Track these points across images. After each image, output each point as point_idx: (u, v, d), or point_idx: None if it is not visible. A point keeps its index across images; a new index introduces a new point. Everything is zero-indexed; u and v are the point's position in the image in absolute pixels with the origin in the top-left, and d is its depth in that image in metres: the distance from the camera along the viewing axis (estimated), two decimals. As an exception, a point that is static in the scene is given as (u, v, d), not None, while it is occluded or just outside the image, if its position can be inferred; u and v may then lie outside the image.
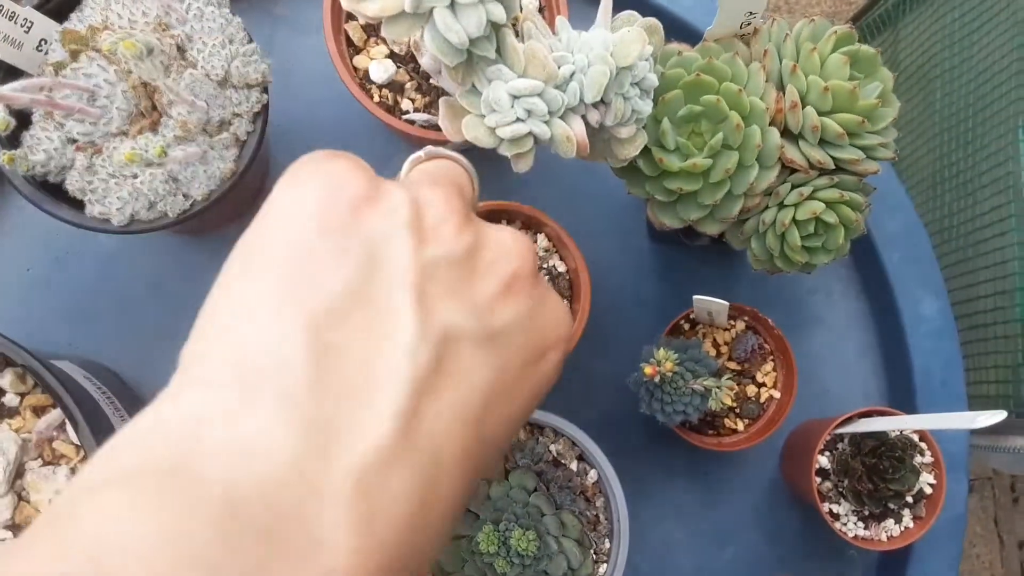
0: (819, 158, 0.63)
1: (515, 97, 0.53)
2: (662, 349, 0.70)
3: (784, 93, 0.63)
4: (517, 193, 0.86)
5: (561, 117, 0.55)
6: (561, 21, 0.56)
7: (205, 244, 0.83)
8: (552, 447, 0.73)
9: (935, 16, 1.18)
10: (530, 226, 0.73)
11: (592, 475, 0.73)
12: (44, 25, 0.61)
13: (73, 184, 0.62)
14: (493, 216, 0.72)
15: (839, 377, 0.89)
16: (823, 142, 0.63)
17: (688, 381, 0.72)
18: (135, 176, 0.62)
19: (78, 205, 0.63)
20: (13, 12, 0.58)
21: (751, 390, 0.80)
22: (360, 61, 0.74)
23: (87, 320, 0.80)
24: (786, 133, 0.64)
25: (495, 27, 0.50)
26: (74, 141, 0.62)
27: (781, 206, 0.65)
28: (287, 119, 0.85)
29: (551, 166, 0.87)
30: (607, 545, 0.72)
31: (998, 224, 0.97)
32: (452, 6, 0.47)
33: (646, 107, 0.59)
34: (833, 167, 0.63)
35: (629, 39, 0.55)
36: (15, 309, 0.80)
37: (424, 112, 0.73)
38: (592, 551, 0.71)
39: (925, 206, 1.13)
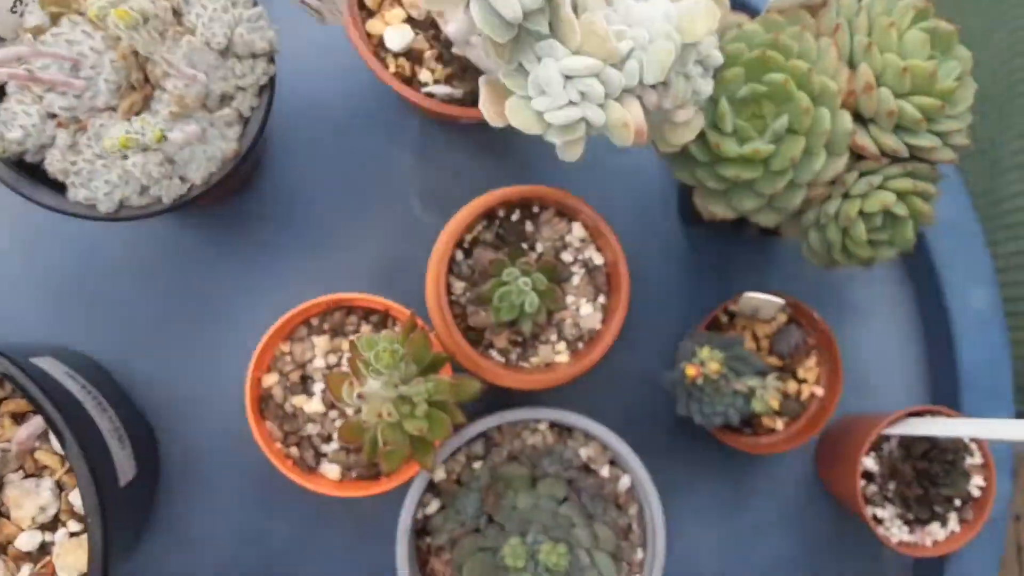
0: (893, 145, 0.56)
1: (568, 78, 0.46)
2: (706, 348, 0.65)
3: (856, 73, 0.56)
4: (529, 169, 0.80)
5: (616, 100, 0.48)
6: (620, -11, 0.49)
7: (195, 223, 0.75)
8: (582, 451, 0.68)
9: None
10: (564, 213, 0.66)
11: (625, 481, 0.68)
12: (18, -18, 0.53)
13: (54, 165, 0.55)
14: (524, 202, 0.65)
15: (879, 369, 0.83)
16: (897, 128, 0.57)
17: (731, 381, 0.66)
18: (125, 157, 0.54)
19: (60, 188, 0.56)
20: (-19, -33, 0.50)
21: (792, 387, 0.75)
22: (374, 26, 0.66)
23: (67, 307, 0.73)
24: (856, 118, 0.57)
25: (552, -2, 0.43)
26: (55, 116, 0.55)
27: (846, 197, 0.59)
28: (287, 90, 0.77)
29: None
30: (639, 556, 0.67)
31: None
32: (507, -27, 0.40)
33: (707, 87, 0.52)
34: (907, 155, 0.57)
35: (696, 11, 0.48)
36: (-8, 295, 0.72)
37: (445, 84, 0.66)
38: (625, 563, 0.66)
39: (975, 189, 1.07)
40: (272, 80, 0.58)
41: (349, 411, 0.64)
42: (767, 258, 0.83)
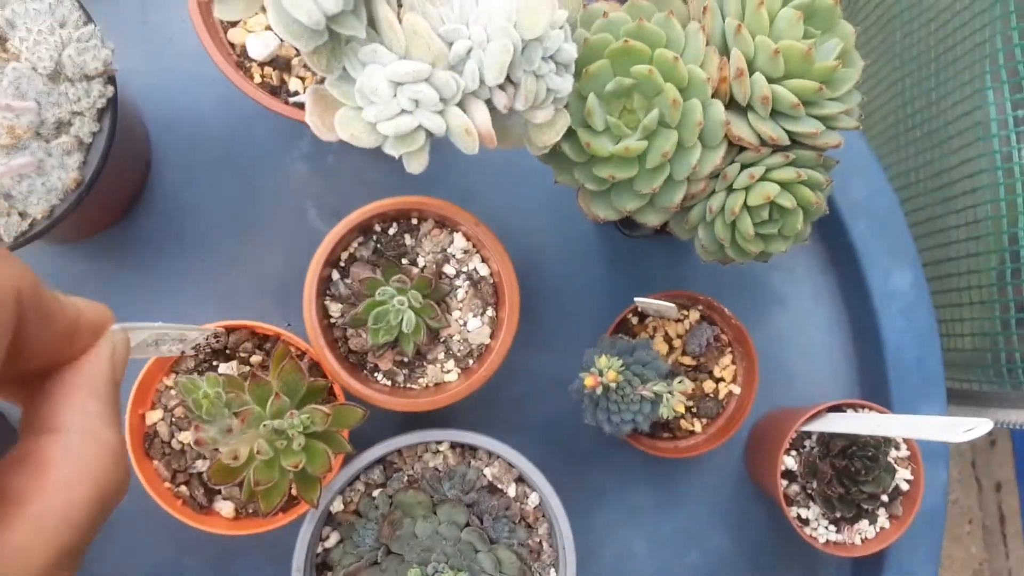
0: (771, 133, 0.53)
1: (397, 84, 0.43)
2: (603, 356, 0.61)
3: (728, 59, 0.53)
4: (433, 178, 0.76)
5: (459, 104, 0.45)
6: (450, -14, 0.45)
7: (79, 251, 0.72)
8: (487, 471, 0.65)
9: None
10: (444, 224, 0.63)
11: (533, 498, 0.65)
12: None
13: None
14: (400, 215, 0.62)
15: (805, 360, 0.81)
16: (775, 114, 0.54)
17: (636, 387, 0.63)
18: (-46, 195, 0.51)
19: None
20: None
21: (708, 386, 0.72)
22: (236, 35, 0.63)
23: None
24: (732, 105, 0.54)
25: (359, -1, 0.40)
26: None
27: (730, 190, 0.56)
28: (169, 108, 0.74)
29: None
30: (552, 575, 0.64)
31: (968, 180, 0.89)
32: (293, -23, 0.37)
33: (565, 84, 0.49)
34: (788, 142, 0.54)
35: (535, 5, 0.45)
36: None
37: (316, 94, 0.62)
38: (536, 585, 0.63)
39: (886, 162, 1.04)
40: (112, 101, 0.54)
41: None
42: (681, 253, 0.80)
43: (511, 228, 0.71)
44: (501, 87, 0.47)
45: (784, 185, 0.55)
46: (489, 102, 0.47)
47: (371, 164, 0.75)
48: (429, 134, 0.45)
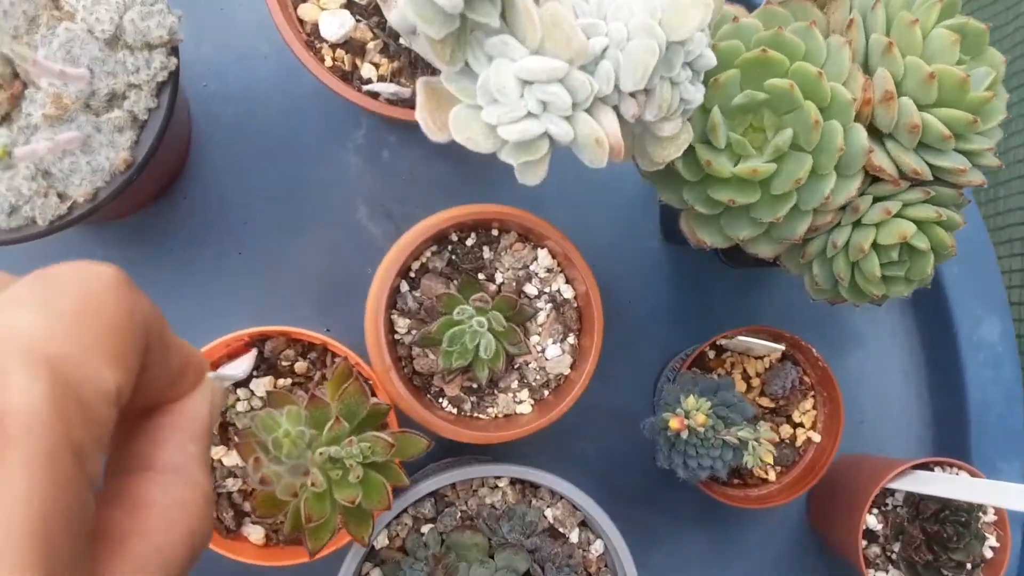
0: (914, 166, 0.48)
1: (526, 83, 0.37)
2: (692, 396, 0.56)
3: (873, 79, 0.48)
4: (494, 175, 0.70)
5: (587, 110, 0.39)
6: (592, -27, 0.39)
7: (110, 234, 0.65)
8: (548, 512, 0.58)
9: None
10: (527, 238, 0.57)
11: (597, 546, 0.59)
12: None
13: (-99, 179, 0.45)
14: (480, 224, 0.56)
15: (877, 405, 0.75)
16: (920, 145, 0.48)
17: (719, 432, 0.57)
18: (-13, 170, 0.44)
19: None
20: None
21: (785, 431, 0.66)
22: (307, 11, 0.56)
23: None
24: (871, 131, 0.48)
25: (504, -19, 0.34)
26: (-100, 119, 0.44)
27: (858, 225, 0.50)
28: (216, 84, 0.67)
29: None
30: (613, 631, 0.58)
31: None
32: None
33: (698, 95, 0.43)
34: (931, 178, 0.48)
35: (685, 3, 0.39)
36: None
37: (391, 82, 0.56)
38: (596, 642, 0.57)
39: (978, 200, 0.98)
40: (174, 75, 0.48)
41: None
42: (756, 282, 0.74)
43: (576, 244, 0.65)
44: (632, 93, 0.40)
45: (920, 224, 0.49)
46: (615, 109, 0.41)
47: (428, 163, 0.69)
48: (552, 143, 0.39)
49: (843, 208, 0.50)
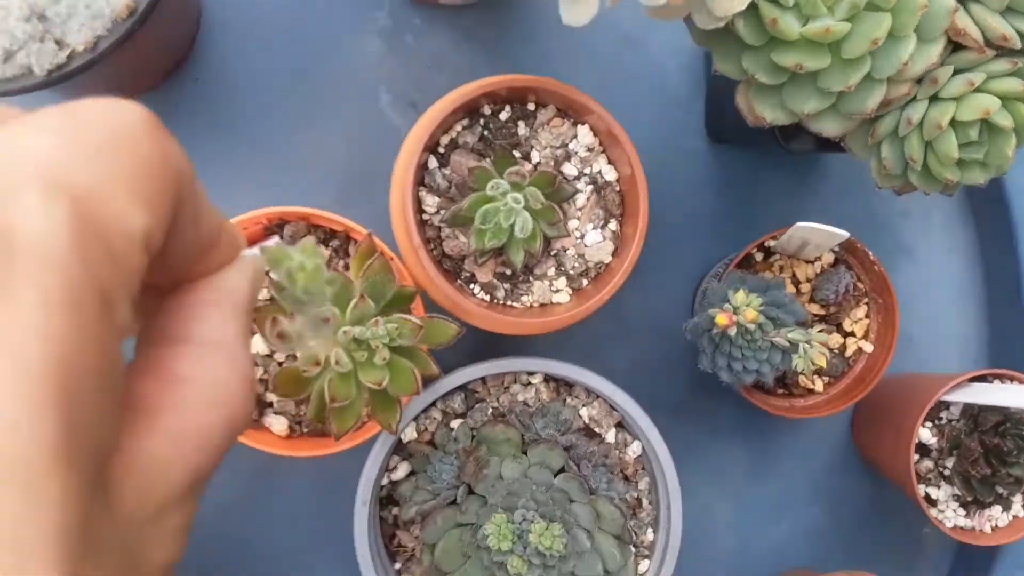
0: (1003, 31, 0.43)
1: None
2: (741, 291, 0.52)
3: (961, -71, 0.43)
4: (521, 63, 0.66)
5: (649, -60, 0.35)
6: None
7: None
8: (583, 411, 0.56)
9: None
10: (567, 113, 0.53)
11: (634, 448, 0.56)
12: None
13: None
14: (515, 96, 0.52)
15: (929, 322, 0.71)
16: (1009, 9, 0.44)
17: (768, 333, 0.54)
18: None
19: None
20: None
21: (835, 340, 0.62)
22: None
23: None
24: (955, -9, 0.44)
25: None
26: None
27: (935, 99, 0.46)
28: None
29: (574, 32, 0.66)
30: (650, 536, 0.56)
31: None
32: None
33: (769, -64, 0.39)
34: (1020, 46, 0.44)
35: None
36: None
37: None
38: (631, 545, 0.55)
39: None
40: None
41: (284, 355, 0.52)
42: (802, 186, 0.70)
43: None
44: (698, -74, 0.36)
45: (1004, 100, 0.44)
46: (679, -54, 0.37)
47: (455, 49, 0.65)
48: (609, -26, 0.35)
49: (919, 81, 0.46)
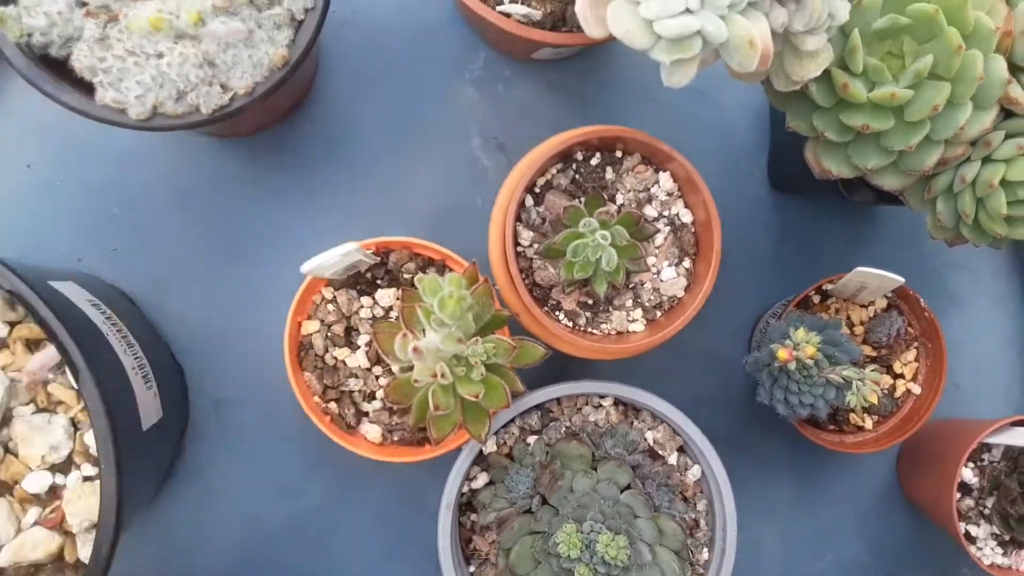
0: (1052, 101, 0.48)
1: (689, -21, 0.38)
2: (801, 329, 0.56)
3: (1015, 11, 0.48)
4: (603, 114, 0.72)
5: (741, 13, 0.40)
6: None
7: (237, 149, 0.68)
8: (649, 434, 0.60)
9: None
10: (650, 161, 0.58)
11: (694, 471, 0.60)
12: None
13: (81, 61, 0.48)
14: (605, 145, 0.57)
15: (974, 371, 0.75)
16: (1059, 80, 0.48)
17: (823, 369, 0.58)
18: (160, 56, 0.48)
19: (88, 88, 0.49)
20: None
21: (885, 381, 0.66)
22: (449, -64, 0.58)
23: (96, 231, 0.66)
24: (1010, 66, 0.49)
25: None
26: (84, 4, 0.48)
27: (987, 160, 0.50)
28: (346, 7, 0.70)
29: (643, 82, 0.71)
30: (705, 555, 0.60)
31: None
32: None
33: (843, 11, 0.44)
34: (1068, 114, 0.48)
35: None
36: (13, 214, 0.66)
37: (523, 3, 0.58)
38: (689, 563, 0.59)
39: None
40: (329, -20, 0.50)
41: (395, 368, 0.57)
42: (858, 236, 0.74)
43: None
44: (782, 2, 0.42)
45: (1052, 162, 0.49)
46: (766, 16, 0.42)
47: (540, 98, 0.71)
48: (705, 42, 0.40)
49: (974, 143, 0.50)
